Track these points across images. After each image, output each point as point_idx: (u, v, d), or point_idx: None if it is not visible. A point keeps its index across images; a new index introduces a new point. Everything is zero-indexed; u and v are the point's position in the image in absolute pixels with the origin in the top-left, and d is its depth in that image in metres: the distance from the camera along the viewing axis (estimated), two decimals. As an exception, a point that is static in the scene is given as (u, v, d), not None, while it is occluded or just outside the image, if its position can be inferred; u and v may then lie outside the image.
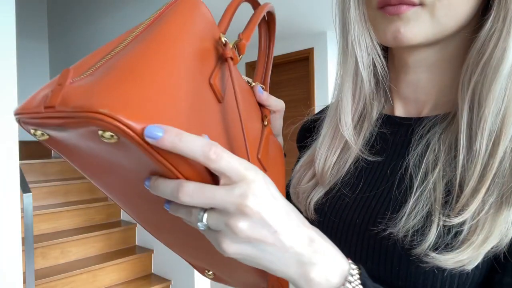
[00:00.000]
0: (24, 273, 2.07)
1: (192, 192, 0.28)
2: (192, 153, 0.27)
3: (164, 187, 0.28)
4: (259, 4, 0.46)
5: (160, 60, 0.28)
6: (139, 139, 0.24)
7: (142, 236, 3.04)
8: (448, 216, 0.38)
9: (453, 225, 0.38)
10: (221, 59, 0.34)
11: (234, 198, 0.28)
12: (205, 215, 0.29)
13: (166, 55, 0.28)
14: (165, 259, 2.85)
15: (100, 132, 0.24)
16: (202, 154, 0.27)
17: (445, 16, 0.40)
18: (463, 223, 0.38)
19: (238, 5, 0.41)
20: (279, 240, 0.29)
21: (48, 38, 4.17)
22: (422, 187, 0.41)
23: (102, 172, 0.31)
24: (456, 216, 0.38)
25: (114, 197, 0.34)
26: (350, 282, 0.31)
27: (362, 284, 0.32)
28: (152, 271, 2.97)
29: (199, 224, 0.29)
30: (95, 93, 0.24)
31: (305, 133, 0.61)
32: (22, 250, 1.94)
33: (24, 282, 2.05)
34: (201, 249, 0.37)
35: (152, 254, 2.96)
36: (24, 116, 0.27)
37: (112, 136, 0.24)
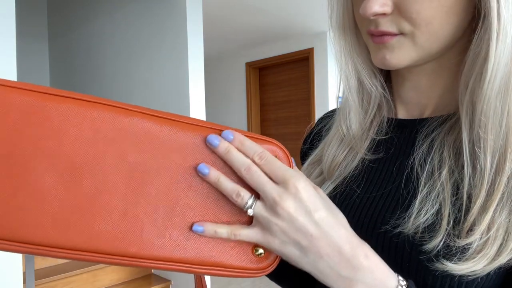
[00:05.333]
0: (24, 273, 2.07)
1: (253, 172, 0.35)
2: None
3: (237, 158, 0.35)
4: None
5: None
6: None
7: (142, 236, 3.04)
8: (458, 236, 0.38)
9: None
10: None
11: (274, 194, 0.34)
12: (255, 202, 0.35)
13: None
14: (165, 259, 2.84)
15: None
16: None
17: (427, 42, 0.41)
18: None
19: None
20: (314, 246, 0.34)
21: (48, 38, 4.17)
22: (428, 185, 0.42)
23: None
24: (466, 237, 0.38)
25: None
26: None
27: None
28: (152, 271, 2.97)
29: (249, 210, 0.35)
30: None
31: (315, 135, 0.63)
32: (22, 250, 1.93)
33: (24, 282, 2.05)
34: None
35: (152, 254, 2.96)
36: None
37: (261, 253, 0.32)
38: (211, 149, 0.35)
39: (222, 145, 0.35)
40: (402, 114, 0.52)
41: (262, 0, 3.11)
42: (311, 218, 0.34)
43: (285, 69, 4.42)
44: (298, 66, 4.27)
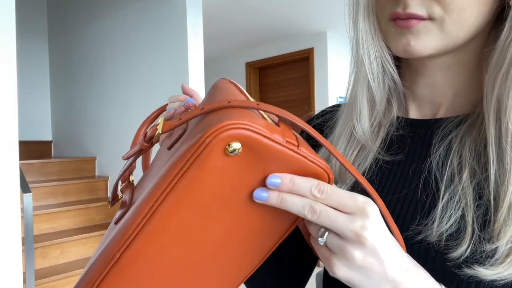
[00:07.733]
0: (24, 273, 2.07)
1: (319, 212, 0.30)
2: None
3: (294, 203, 0.30)
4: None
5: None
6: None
7: (142, 236, 3.04)
8: (489, 240, 0.37)
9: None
10: None
11: (355, 227, 0.30)
12: (326, 233, 0.31)
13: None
14: (165, 259, 2.84)
15: (226, 147, 0.27)
16: (310, 193, 0.30)
17: (455, 30, 0.40)
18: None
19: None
20: (384, 269, 0.31)
21: (48, 38, 4.16)
22: (450, 191, 0.41)
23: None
24: (497, 240, 0.36)
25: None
26: None
27: None
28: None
29: (319, 239, 0.31)
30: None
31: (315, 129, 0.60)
32: (22, 250, 1.94)
33: (24, 282, 2.05)
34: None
35: (152, 254, 2.95)
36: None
37: (236, 149, 0.27)
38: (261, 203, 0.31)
39: (272, 196, 0.30)
40: (413, 114, 0.50)
41: (262, 0, 3.11)
42: (386, 243, 0.31)
43: (285, 69, 4.42)
44: (298, 66, 4.27)
